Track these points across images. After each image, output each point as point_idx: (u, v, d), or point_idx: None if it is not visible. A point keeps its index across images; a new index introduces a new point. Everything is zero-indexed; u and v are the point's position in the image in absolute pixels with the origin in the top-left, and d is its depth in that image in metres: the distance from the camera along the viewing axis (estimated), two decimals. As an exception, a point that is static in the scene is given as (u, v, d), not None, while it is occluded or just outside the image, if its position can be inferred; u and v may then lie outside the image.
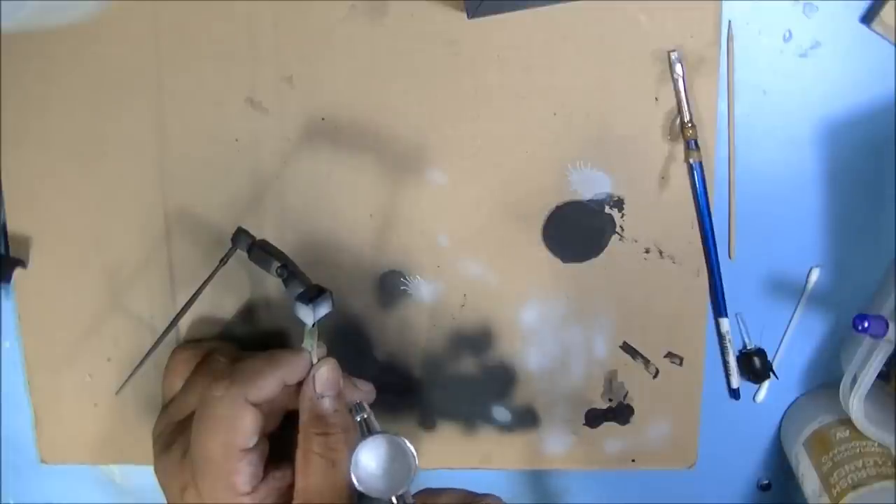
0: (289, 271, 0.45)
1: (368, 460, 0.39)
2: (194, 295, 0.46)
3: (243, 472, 0.41)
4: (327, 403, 0.43)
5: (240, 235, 0.45)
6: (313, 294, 0.44)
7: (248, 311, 0.49)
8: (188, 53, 0.46)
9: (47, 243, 0.49)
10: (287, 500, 0.42)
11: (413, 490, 0.40)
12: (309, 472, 0.41)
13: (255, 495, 0.41)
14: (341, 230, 0.48)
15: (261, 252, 0.45)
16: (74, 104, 0.47)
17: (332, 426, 0.42)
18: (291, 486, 0.42)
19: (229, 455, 0.40)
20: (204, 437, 0.41)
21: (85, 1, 0.45)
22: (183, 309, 0.46)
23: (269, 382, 0.42)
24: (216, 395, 0.41)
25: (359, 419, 0.42)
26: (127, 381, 0.47)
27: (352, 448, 0.40)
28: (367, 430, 0.41)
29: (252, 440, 0.41)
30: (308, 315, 0.43)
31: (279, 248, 0.46)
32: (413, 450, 0.39)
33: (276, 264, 0.45)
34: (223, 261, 0.45)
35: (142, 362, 0.46)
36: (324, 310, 0.43)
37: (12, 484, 0.53)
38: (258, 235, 0.47)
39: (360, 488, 0.39)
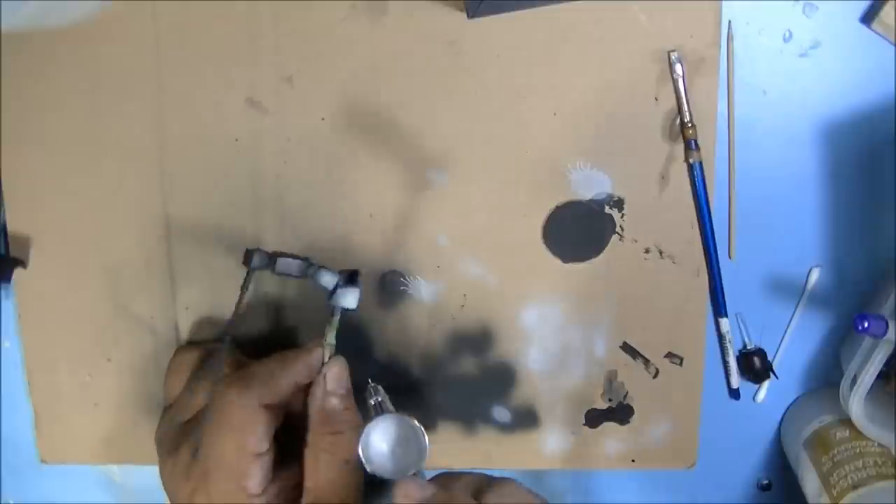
0: (315, 266, 0.45)
1: (379, 441, 0.38)
2: (227, 328, 0.47)
3: (255, 476, 0.41)
4: (336, 402, 0.42)
5: (252, 255, 0.46)
6: (347, 278, 0.44)
7: (249, 310, 0.49)
8: (188, 53, 0.46)
9: (47, 243, 0.49)
10: (295, 498, 0.42)
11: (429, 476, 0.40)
12: (319, 470, 0.41)
13: (264, 496, 0.41)
14: (341, 230, 0.48)
15: (282, 262, 0.46)
16: (74, 104, 0.47)
17: (341, 424, 0.42)
18: (299, 485, 0.42)
19: (242, 459, 0.41)
20: (218, 441, 0.41)
21: (85, 1, 0.45)
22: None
23: (283, 385, 0.42)
24: (230, 399, 0.41)
25: (373, 402, 0.41)
26: None
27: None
28: (381, 413, 0.40)
29: (265, 444, 0.41)
30: (353, 299, 0.44)
31: (280, 248, 0.46)
32: (423, 430, 0.38)
33: (303, 265, 0.45)
34: (244, 288, 0.46)
35: None
36: (358, 290, 0.44)
37: (12, 484, 0.53)
38: (259, 236, 0.47)
39: (369, 469, 0.38)
